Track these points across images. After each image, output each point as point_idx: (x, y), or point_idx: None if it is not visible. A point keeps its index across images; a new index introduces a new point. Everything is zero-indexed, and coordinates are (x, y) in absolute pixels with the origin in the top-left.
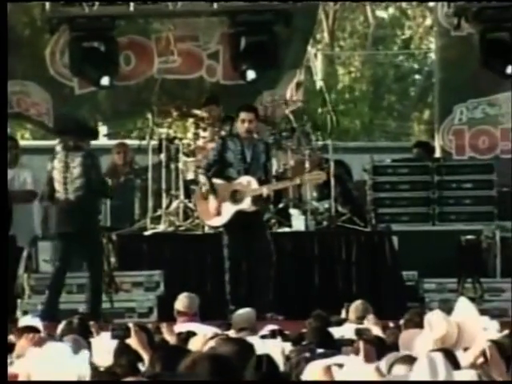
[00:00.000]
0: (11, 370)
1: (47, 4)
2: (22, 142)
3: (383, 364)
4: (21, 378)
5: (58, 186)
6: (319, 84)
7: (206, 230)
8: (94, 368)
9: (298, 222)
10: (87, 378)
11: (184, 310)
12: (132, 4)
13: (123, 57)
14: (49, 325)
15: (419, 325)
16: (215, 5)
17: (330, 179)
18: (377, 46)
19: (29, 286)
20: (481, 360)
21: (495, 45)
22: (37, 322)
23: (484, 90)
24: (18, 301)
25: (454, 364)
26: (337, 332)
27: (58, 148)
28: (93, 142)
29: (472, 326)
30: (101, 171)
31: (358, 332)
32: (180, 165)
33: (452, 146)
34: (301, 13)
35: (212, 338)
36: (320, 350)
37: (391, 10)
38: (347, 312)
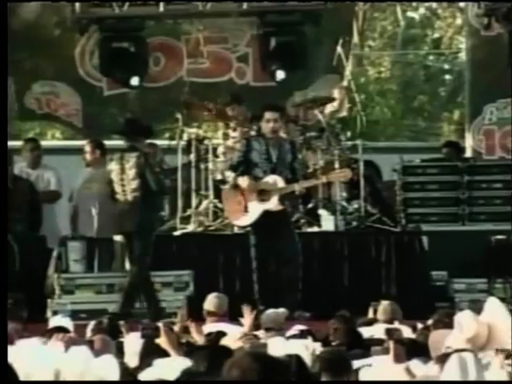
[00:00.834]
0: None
1: (77, 4)
2: (47, 143)
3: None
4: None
5: (116, 187)
6: (349, 84)
7: (235, 229)
8: (125, 368)
9: (328, 223)
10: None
11: (213, 310)
12: (161, 4)
13: (152, 58)
14: (78, 325)
15: (448, 325)
16: (244, 5)
17: (360, 179)
18: (406, 47)
19: (59, 286)
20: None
21: None
22: (67, 322)
23: None
24: (48, 301)
25: None
26: (366, 332)
27: (113, 151)
28: (121, 142)
29: (502, 326)
30: (156, 170)
31: (388, 332)
32: (209, 165)
33: (482, 145)
34: (331, 13)
35: (241, 338)
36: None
37: (422, 10)
38: (374, 312)
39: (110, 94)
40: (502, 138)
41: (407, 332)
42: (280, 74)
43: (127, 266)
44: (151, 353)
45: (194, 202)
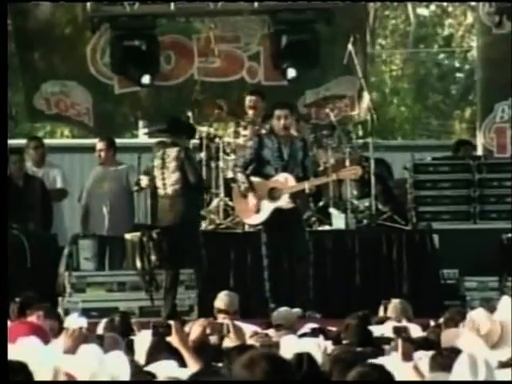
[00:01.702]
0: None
1: (89, 3)
2: (51, 141)
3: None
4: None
5: (157, 182)
6: (360, 82)
7: (246, 228)
8: (136, 366)
9: (339, 221)
10: (125, 378)
11: (224, 308)
12: (173, 3)
13: (164, 56)
14: (90, 323)
15: (460, 323)
16: (256, 4)
17: (371, 177)
18: (418, 45)
19: (70, 284)
20: None
21: None
22: (82, 321)
23: None
24: (59, 299)
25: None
26: (377, 330)
27: (156, 147)
28: (133, 141)
29: None
30: (196, 166)
31: (396, 330)
32: (220, 163)
33: (493, 144)
34: (343, 12)
35: (251, 336)
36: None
37: (432, 8)
38: (385, 310)
39: (121, 92)
40: None
41: (417, 330)
42: (291, 72)
43: (138, 264)
44: (161, 351)
45: (205, 200)
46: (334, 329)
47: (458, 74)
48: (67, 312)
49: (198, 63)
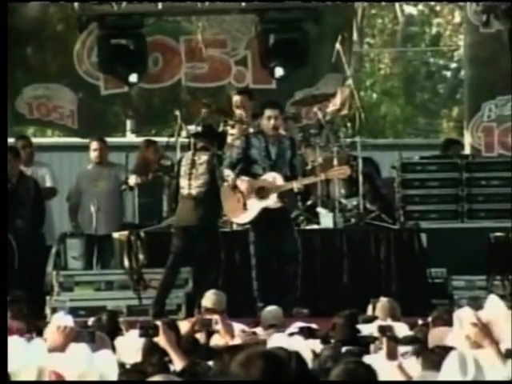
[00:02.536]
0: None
1: (76, 2)
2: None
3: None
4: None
5: (182, 181)
6: (348, 81)
7: (235, 227)
8: (121, 365)
9: (327, 220)
10: (113, 377)
11: (212, 307)
12: (160, 2)
13: (151, 58)
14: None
15: (448, 322)
16: (243, 3)
17: (359, 176)
18: (406, 44)
19: (57, 283)
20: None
21: None
22: (69, 320)
23: None
24: (47, 298)
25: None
26: (366, 329)
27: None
28: (120, 140)
29: (502, 323)
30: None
31: (381, 329)
32: None
33: (481, 143)
34: (331, 11)
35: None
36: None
37: (420, 7)
38: (373, 309)
39: (107, 93)
40: (501, 135)
41: (405, 329)
42: (279, 71)
43: (126, 263)
44: (154, 351)
45: None
46: (320, 328)
47: (446, 73)
48: (55, 311)
49: (186, 68)
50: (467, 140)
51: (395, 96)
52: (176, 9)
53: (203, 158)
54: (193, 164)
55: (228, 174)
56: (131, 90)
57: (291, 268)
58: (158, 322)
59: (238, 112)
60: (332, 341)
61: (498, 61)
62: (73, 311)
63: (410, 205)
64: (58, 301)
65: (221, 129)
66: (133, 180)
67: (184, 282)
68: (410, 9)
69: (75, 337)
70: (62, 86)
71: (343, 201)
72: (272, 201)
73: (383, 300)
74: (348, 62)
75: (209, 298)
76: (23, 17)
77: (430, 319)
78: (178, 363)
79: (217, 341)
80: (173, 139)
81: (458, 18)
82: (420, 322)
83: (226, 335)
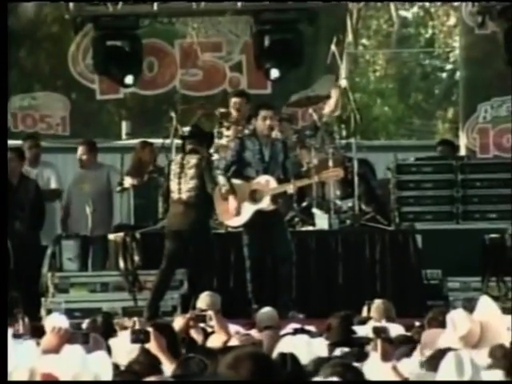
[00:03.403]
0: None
1: (71, 3)
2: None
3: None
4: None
5: (172, 185)
6: (343, 83)
7: (230, 228)
8: (115, 367)
9: (322, 221)
10: (107, 378)
11: (206, 308)
12: (156, 3)
13: (146, 62)
14: (73, 323)
15: (443, 324)
16: (239, 4)
17: (354, 178)
18: (401, 45)
19: (53, 285)
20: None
21: None
22: (63, 320)
23: (508, 88)
24: (42, 299)
25: None
26: (361, 330)
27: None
28: (115, 142)
29: (495, 324)
30: (214, 175)
31: (376, 330)
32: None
33: (476, 144)
34: (326, 12)
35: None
36: (340, 350)
37: (415, 9)
38: (369, 310)
39: (102, 98)
40: (497, 137)
41: (400, 330)
42: (274, 73)
43: (121, 264)
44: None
45: None
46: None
47: (441, 75)
48: (50, 312)
49: (181, 75)
50: (462, 141)
51: (389, 97)
52: (171, 10)
53: (192, 161)
54: (182, 168)
55: (223, 183)
56: (126, 96)
57: (285, 268)
58: (149, 328)
59: (235, 114)
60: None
61: (494, 62)
62: (68, 313)
63: (405, 206)
64: (54, 302)
65: (216, 130)
66: (128, 181)
67: (179, 284)
68: (405, 11)
69: (69, 338)
70: (51, 93)
71: (338, 202)
72: (265, 203)
73: (378, 301)
74: (342, 64)
75: (203, 300)
76: (17, 18)
77: (425, 321)
78: (169, 368)
79: (214, 341)
80: (168, 141)
81: (453, 20)
82: (417, 323)
83: (221, 331)
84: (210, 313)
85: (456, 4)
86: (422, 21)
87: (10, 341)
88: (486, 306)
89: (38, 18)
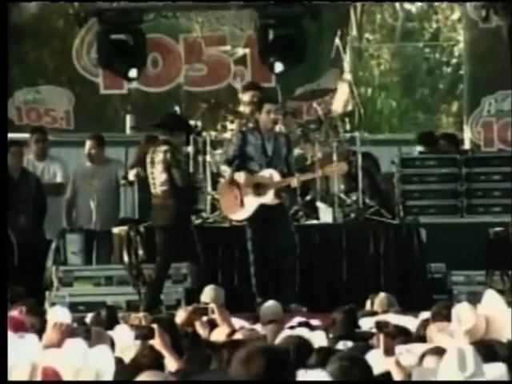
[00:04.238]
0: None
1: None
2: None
3: (410, 356)
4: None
5: (149, 179)
6: (347, 77)
7: (234, 222)
8: (119, 361)
9: (326, 215)
10: (109, 373)
11: (210, 302)
12: None
13: (151, 58)
14: (77, 317)
15: (447, 317)
16: None
17: (358, 171)
18: (405, 39)
19: (57, 279)
20: None
21: None
22: (65, 313)
23: None
24: (47, 293)
25: (493, 356)
26: (366, 324)
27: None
28: (120, 135)
29: (500, 318)
30: (183, 167)
31: (378, 325)
32: (207, 157)
33: (480, 138)
34: (330, 6)
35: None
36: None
37: (419, 3)
38: (372, 304)
39: (106, 92)
40: (501, 130)
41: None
42: (278, 67)
43: (125, 258)
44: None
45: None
46: (320, 323)
47: (446, 69)
48: (54, 306)
49: (185, 71)
50: (467, 135)
51: (394, 91)
52: (175, 4)
53: (160, 155)
54: (152, 162)
55: (225, 169)
56: (130, 91)
57: (289, 261)
58: (154, 325)
59: (248, 109)
60: (330, 336)
61: (498, 56)
62: (72, 306)
63: (409, 200)
64: (58, 296)
65: (220, 124)
66: (132, 175)
67: (183, 278)
68: (409, 4)
69: (71, 333)
70: (56, 87)
71: (342, 196)
72: (269, 197)
73: (381, 295)
74: (346, 58)
75: (207, 294)
76: (22, 13)
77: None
78: (172, 366)
79: (217, 335)
80: None
81: (457, 14)
82: (421, 317)
83: (223, 324)
84: (211, 305)
85: None
86: (426, 15)
87: (11, 335)
88: (492, 300)
89: (43, 12)
